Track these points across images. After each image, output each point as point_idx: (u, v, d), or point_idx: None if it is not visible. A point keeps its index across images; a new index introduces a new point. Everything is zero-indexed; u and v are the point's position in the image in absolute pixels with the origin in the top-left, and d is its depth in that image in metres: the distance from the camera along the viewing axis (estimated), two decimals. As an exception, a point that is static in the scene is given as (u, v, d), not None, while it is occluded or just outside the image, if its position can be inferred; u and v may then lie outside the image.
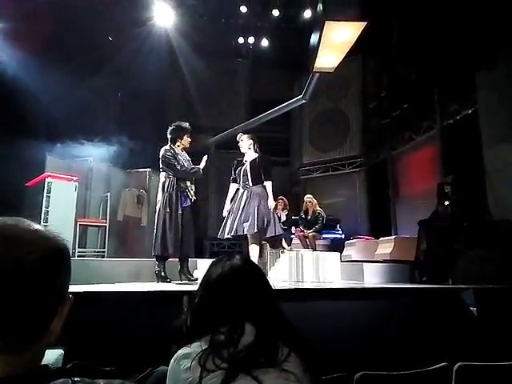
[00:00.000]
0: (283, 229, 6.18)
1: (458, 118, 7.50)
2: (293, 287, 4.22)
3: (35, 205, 5.51)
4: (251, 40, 10.82)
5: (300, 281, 5.07)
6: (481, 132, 6.48)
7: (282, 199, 7.24)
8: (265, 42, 10.68)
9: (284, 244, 6.97)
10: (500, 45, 5.97)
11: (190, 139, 4.58)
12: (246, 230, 4.40)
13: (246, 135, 4.81)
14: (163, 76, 10.21)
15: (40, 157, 6.86)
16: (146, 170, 8.14)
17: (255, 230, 4.36)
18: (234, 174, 4.78)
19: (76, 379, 0.66)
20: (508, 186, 5.84)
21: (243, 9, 9.51)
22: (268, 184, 4.59)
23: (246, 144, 4.72)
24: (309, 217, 7.15)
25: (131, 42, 8.51)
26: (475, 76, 6.63)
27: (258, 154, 4.71)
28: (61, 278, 0.67)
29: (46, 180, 5.60)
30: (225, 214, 4.72)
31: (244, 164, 4.70)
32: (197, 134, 5.14)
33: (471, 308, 3.66)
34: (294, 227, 7.38)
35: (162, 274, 4.20)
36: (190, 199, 4.39)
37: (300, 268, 5.16)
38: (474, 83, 6.68)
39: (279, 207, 7.14)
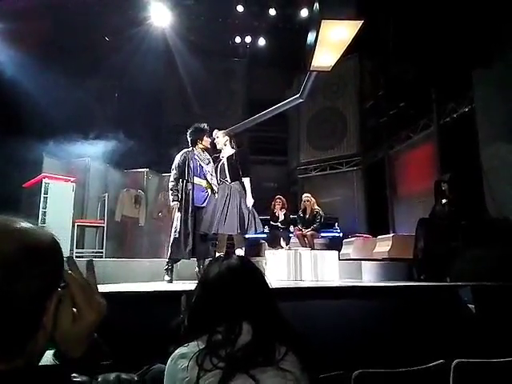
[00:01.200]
0: (268, 227, 6.20)
1: (454, 116, 7.51)
2: (291, 286, 4.22)
3: (32, 206, 5.47)
4: (248, 39, 10.82)
5: (298, 279, 5.08)
6: (477, 130, 6.50)
7: (279, 198, 7.25)
8: (262, 42, 10.68)
9: (282, 243, 6.99)
10: (496, 43, 5.98)
11: (209, 139, 4.59)
12: (226, 230, 4.26)
13: (221, 132, 4.63)
14: (160, 76, 10.19)
15: (37, 157, 6.82)
16: (143, 170, 8.12)
17: (238, 231, 4.25)
18: (215, 173, 4.58)
19: (74, 375, 0.65)
20: (505, 183, 5.86)
21: (240, 8, 9.51)
22: (246, 180, 4.40)
23: (221, 141, 4.57)
24: (307, 216, 7.16)
25: (128, 42, 8.49)
26: (472, 74, 6.64)
27: (234, 150, 4.55)
28: (38, 275, 0.61)
29: (43, 181, 5.55)
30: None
31: (221, 160, 4.53)
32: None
33: (469, 305, 3.67)
34: (292, 226, 7.38)
35: (169, 273, 4.24)
36: (214, 193, 4.41)
37: (298, 267, 5.16)
38: (471, 81, 6.70)
39: (277, 206, 7.16)
